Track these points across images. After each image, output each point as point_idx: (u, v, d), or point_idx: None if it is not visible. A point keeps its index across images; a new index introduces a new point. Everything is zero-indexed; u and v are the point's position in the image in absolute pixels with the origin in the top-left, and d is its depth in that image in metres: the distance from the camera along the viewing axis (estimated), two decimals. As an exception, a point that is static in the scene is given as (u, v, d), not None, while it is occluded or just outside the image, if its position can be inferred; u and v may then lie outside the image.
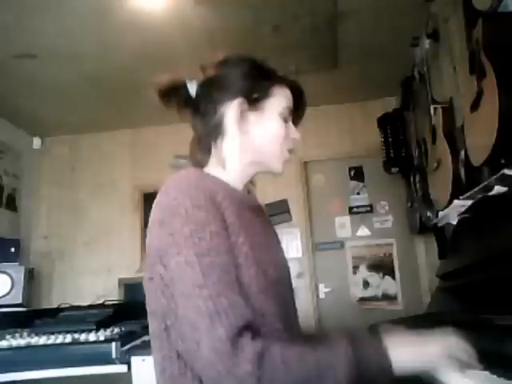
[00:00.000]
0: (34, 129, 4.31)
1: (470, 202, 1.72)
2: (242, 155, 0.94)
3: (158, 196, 0.84)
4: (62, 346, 1.66)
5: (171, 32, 2.92)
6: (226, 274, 0.75)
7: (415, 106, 3.27)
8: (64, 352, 1.66)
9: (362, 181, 4.18)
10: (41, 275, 4.13)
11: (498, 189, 1.52)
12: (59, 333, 1.76)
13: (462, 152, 2.19)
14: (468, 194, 1.94)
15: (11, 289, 3.21)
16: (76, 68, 3.28)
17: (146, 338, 1.77)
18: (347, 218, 4.14)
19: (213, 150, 0.95)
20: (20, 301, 3.20)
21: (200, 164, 0.96)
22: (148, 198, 4.05)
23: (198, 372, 0.74)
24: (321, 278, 4.05)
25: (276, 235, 1.02)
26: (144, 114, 3.67)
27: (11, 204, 3.98)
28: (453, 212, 2.02)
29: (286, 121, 0.96)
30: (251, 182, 1.02)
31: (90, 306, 2.20)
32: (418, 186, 3.15)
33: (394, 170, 3.59)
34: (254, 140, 0.94)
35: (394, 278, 3.98)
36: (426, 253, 3.82)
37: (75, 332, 1.75)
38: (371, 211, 4.12)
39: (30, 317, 2.13)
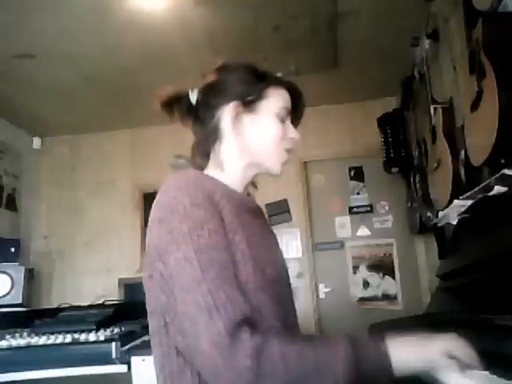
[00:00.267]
0: (33, 129, 4.31)
1: (469, 202, 1.72)
2: (239, 157, 0.95)
3: (157, 195, 0.85)
4: (62, 346, 1.66)
5: (171, 32, 2.92)
6: (225, 270, 0.76)
7: (415, 106, 3.26)
8: (64, 352, 1.66)
9: (362, 181, 4.18)
10: (41, 275, 4.13)
11: (498, 189, 1.52)
12: (59, 333, 1.76)
13: (462, 152, 2.19)
14: (468, 194, 1.93)
15: (11, 289, 3.21)
16: (76, 68, 3.28)
17: (145, 337, 1.77)
18: (347, 218, 4.14)
19: (211, 154, 0.96)
20: (20, 301, 3.20)
21: (200, 168, 0.97)
22: (148, 198, 4.05)
23: (198, 367, 0.75)
24: (321, 277, 4.04)
25: (274, 237, 1.03)
26: (144, 114, 3.66)
27: (11, 204, 3.98)
28: (453, 212, 2.01)
29: (283, 121, 0.97)
30: (253, 183, 1.02)
31: (90, 306, 2.21)
32: (417, 185, 3.15)
33: (394, 170, 3.59)
34: (251, 141, 0.95)
35: (394, 278, 3.98)
36: (426, 253, 3.82)
37: (75, 332, 1.75)
38: (371, 211, 4.11)
39: (29, 317, 2.13)
